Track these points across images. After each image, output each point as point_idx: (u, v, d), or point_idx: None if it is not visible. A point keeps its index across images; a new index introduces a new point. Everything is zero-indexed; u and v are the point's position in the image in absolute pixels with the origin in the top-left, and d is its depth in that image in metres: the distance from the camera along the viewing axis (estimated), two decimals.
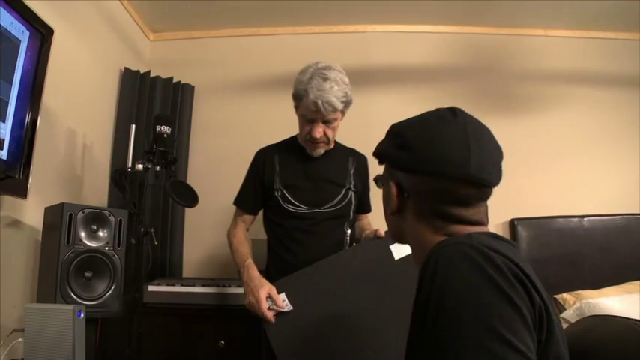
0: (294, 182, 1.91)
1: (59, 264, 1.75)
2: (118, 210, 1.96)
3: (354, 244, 2.03)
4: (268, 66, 3.11)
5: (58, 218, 1.78)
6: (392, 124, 1.06)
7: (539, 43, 3.08)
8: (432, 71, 3.06)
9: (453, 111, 0.97)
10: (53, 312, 1.58)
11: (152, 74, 2.92)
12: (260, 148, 2.04)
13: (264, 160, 1.97)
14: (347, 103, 1.85)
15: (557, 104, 3.00)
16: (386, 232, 1.77)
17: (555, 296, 2.63)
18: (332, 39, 3.14)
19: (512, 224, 2.82)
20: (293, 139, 2.03)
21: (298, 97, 1.83)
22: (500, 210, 2.87)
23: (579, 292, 2.59)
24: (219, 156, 3.01)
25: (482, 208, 0.95)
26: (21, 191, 1.84)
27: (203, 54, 3.18)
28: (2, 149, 1.73)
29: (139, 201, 2.27)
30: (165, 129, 2.28)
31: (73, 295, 1.76)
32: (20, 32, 1.80)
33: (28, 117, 1.85)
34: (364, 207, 2.13)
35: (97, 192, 2.59)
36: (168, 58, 3.16)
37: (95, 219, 1.87)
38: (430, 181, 0.93)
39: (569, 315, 2.45)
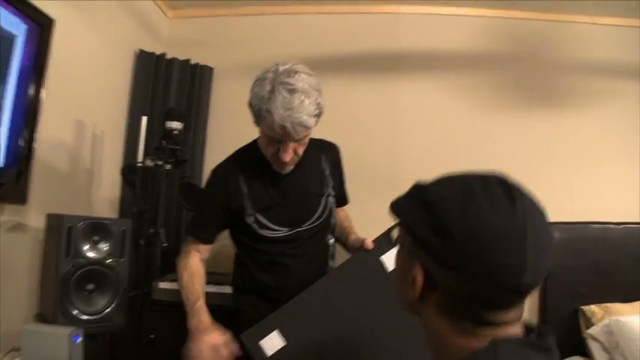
0: (269, 203, 1.62)
1: (59, 278, 1.70)
2: (120, 219, 1.90)
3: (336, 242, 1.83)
4: (291, 47, 2.92)
5: (57, 230, 1.73)
6: (418, 182, 0.84)
7: (585, 31, 2.80)
8: (467, 58, 2.84)
9: (510, 193, 0.74)
10: (49, 336, 1.55)
11: (168, 56, 2.80)
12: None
13: (228, 180, 1.62)
14: (320, 115, 1.51)
15: (601, 100, 2.75)
16: (374, 240, 1.62)
17: (583, 307, 2.50)
18: (359, 20, 2.93)
19: None
20: (254, 148, 1.67)
21: (259, 116, 1.48)
22: None
23: (609, 305, 2.45)
24: (239, 142, 2.89)
25: (520, 307, 0.77)
26: (19, 198, 1.79)
27: (223, 34, 3.02)
28: None
29: (149, 199, 2.21)
30: (175, 125, 2.18)
31: (73, 311, 1.73)
32: (16, 27, 1.70)
33: (27, 118, 1.78)
34: (341, 201, 1.85)
35: (108, 187, 2.53)
36: (187, 38, 3.01)
37: (97, 229, 1.81)
38: (471, 284, 0.74)
39: (597, 332, 2.32)
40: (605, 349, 2.26)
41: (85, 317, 1.75)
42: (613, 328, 2.25)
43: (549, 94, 2.79)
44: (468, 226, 0.72)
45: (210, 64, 2.92)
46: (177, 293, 2.27)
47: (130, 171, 2.29)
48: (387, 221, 1.15)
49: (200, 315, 1.49)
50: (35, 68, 1.81)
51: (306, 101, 1.42)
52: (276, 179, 1.64)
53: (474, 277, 0.72)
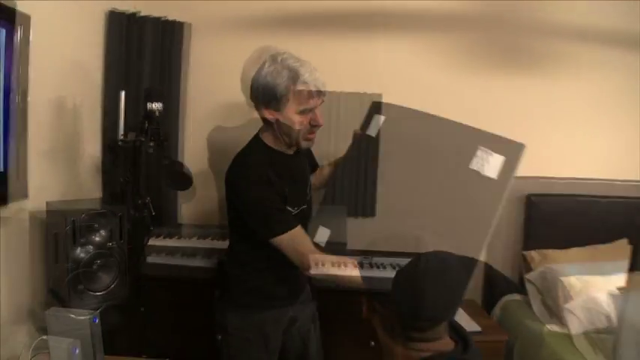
0: (285, 190, 1.75)
1: (69, 265, 1.90)
2: (117, 207, 2.07)
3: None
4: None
5: (62, 222, 1.89)
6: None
7: None
8: (447, 17, 2.84)
9: None
10: (72, 320, 1.78)
11: (142, 14, 2.76)
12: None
13: (268, 177, 1.70)
14: None
15: (578, 66, 2.88)
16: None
17: (523, 253, 2.88)
18: None
19: (529, 199, 2.92)
20: (264, 146, 1.78)
21: (289, 91, 1.62)
22: (516, 183, 2.87)
23: (546, 251, 2.83)
24: (220, 101, 2.96)
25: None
26: (21, 193, 1.93)
27: None
28: None
29: (134, 173, 2.34)
30: (156, 106, 2.25)
31: (84, 290, 1.95)
32: None
33: (17, 123, 1.86)
34: (314, 167, 2.13)
35: (90, 162, 2.61)
36: None
37: (96, 217, 1.98)
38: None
39: (534, 277, 2.72)
40: (539, 292, 2.68)
41: (93, 294, 1.98)
42: (547, 274, 2.65)
43: (544, 58, 2.87)
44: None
45: (187, 20, 2.88)
46: (164, 267, 2.47)
47: (112, 147, 2.39)
48: None
49: None
50: (19, 71, 1.85)
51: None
52: (289, 166, 1.80)
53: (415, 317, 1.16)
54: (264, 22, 2.87)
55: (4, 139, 1.83)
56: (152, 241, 2.52)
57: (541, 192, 2.91)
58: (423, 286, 1.11)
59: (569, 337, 2.41)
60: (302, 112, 1.67)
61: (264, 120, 1.74)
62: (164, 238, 2.61)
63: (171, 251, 2.57)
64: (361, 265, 2.42)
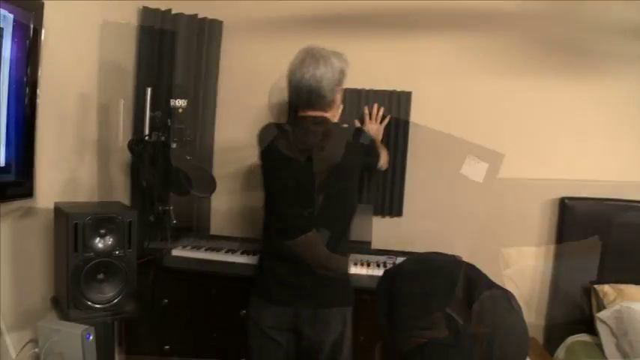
0: None
1: (69, 272, 1.73)
2: (126, 211, 1.88)
3: None
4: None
5: (65, 224, 1.73)
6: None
7: None
8: (491, 16, 2.58)
9: None
10: (63, 333, 1.60)
11: (174, 12, 2.63)
12: None
13: None
14: None
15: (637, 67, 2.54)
16: None
17: (596, 287, 2.48)
18: None
19: (563, 203, 2.57)
20: None
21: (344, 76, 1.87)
22: (549, 186, 2.60)
23: (623, 286, 2.41)
24: (250, 103, 2.78)
25: None
26: (26, 192, 1.79)
27: None
28: None
29: (157, 175, 2.19)
30: (180, 103, 2.12)
31: (85, 301, 1.77)
32: (2, 19, 1.59)
33: (25, 111, 1.72)
34: None
35: (118, 163, 2.51)
36: None
37: (103, 222, 1.80)
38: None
39: (607, 317, 2.31)
40: (614, 334, 2.27)
41: (96, 306, 1.79)
42: (624, 314, 2.23)
43: (581, 57, 2.56)
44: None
45: (219, 18, 2.73)
46: (189, 260, 2.36)
47: (137, 145, 2.24)
48: None
49: None
50: (28, 59, 1.72)
51: None
52: None
53: None
54: (294, 22, 2.70)
55: (17, 133, 1.70)
56: (176, 252, 2.38)
57: (576, 195, 2.58)
58: (399, 288, 0.90)
59: None
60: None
61: (328, 105, 1.86)
62: (191, 249, 2.42)
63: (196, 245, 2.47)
64: (385, 265, 2.39)
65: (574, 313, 2.52)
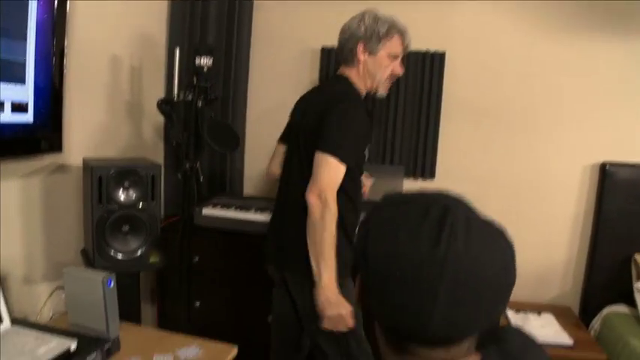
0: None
1: (94, 223, 1.79)
2: (149, 165, 1.92)
3: None
4: None
5: (89, 177, 1.78)
6: (385, 195, 0.78)
7: None
8: None
9: (440, 232, 0.65)
10: (86, 280, 1.66)
11: None
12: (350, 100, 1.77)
13: (367, 115, 1.80)
14: None
15: None
16: None
17: (636, 256, 2.35)
18: None
19: (603, 168, 2.43)
20: (355, 90, 1.85)
21: (386, 36, 1.80)
22: (588, 150, 2.47)
23: None
24: (283, 77, 2.80)
25: (457, 347, 0.70)
26: (55, 147, 1.85)
27: None
28: (27, 112, 1.69)
29: (185, 134, 2.22)
30: (205, 61, 2.12)
31: (110, 252, 1.83)
32: None
33: (53, 70, 1.77)
34: None
35: (151, 117, 2.56)
36: None
37: (127, 174, 1.85)
38: (384, 318, 0.72)
39: None
40: None
41: (120, 257, 1.86)
42: None
43: (622, 16, 2.38)
44: (382, 258, 0.68)
45: None
46: (219, 219, 2.41)
47: (166, 104, 2.28)
48: None
49: (332, 277, 1.63)
50: (55, 23, 1.76)
51: None
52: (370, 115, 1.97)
53: (380, 308, 0.70)
54: None
55: (46, 91, 1.75)
56: (206, 211, 2.42)
57: (618, 160, 2.44)
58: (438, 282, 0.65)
59: None
60: (392, 57, 1.82)
61: (352, 62, 1.83)
62: (221, 207, 2.46)
63: (226, 204, 2.49)
64: None
65: (612, 283, 2.41)
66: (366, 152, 1.87)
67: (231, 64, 2.66)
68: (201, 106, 2.13)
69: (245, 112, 2.79)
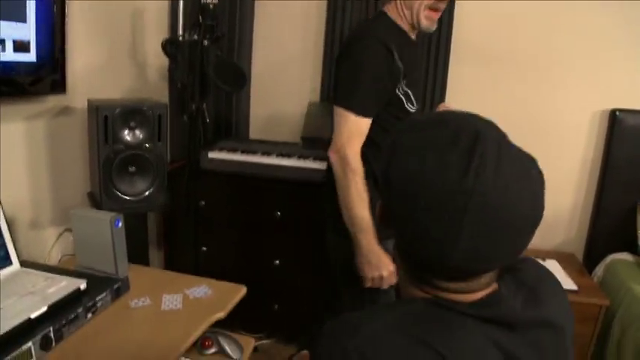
0: (413, 77, 1.63)
1: (100, 164, 1.77)
2: (156, 104, 1.88)
3: None
4: None
5: (95, 117, 1.75)
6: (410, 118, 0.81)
7: None
8: None
9: (471, 160, 0.62)
10: (94, 220, 1.65)
11: None
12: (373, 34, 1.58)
13: (388, 49, 1.53)
14: None
15: None
16: None
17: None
18: None
19: (613, 115, 2.39)
20: (389, 24, 1.63)
21: None
22: (599, 97, 2.42)
23: None
24: (287, 16, 2.71)
25: (478, 279, 0.70)
26: (59, 88, 1.81)
27: None
28: (29, 51, 1.64)
29: (191, 74, 2.17)
30: None
31: (117, 192, 1.82)
32: None
33: (55, 9, 1.70)
34: None
35: (155, 58, 2.49)
36: None
37: (133, 114, 1.81)
38: (404, 245, 0.72)
39: None
40: None
41: (128, 198, 1.85)
42: None
43: None
44: (408, 187, 0.66)
45: None
46: (225, 163, 2.39)
47: (171, 45, 2.21)
48: None
49: (373, 233, 1.53)
50: None
51: None
52: (414, 54, 1.67)
53: (403, 236, 0.69)
54: None
55: (48, 31, 1.69)
56: (212, 154, 2.40)
57: (628, 107, 2.40)
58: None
59: None
60: None
61: None
62: (227, 151, 2.43)
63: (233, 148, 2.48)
64: None
65: (617, 231, 2.41)
66: (407, 93, 1.62)
67: (237, 1, 2.58)
68: (207, 45, 2.07)
69: (251, 52, 2.72)
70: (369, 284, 1.59)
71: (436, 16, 1.60)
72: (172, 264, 2.61)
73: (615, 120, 2.37)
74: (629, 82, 2.39)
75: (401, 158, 0.68)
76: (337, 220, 1.59)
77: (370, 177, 1.54)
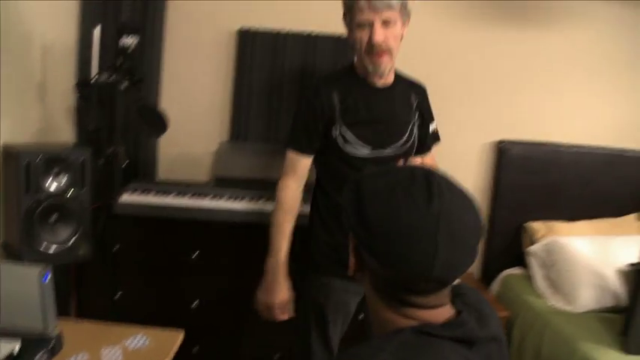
0: (356, 119, 1.67)
1: (21, 213, 1.67)
2: (79, 150, 1.83)
3: None
4: None
5: (15, 165, 1.65)
6: (363, 173, 0.91)
7: None
8: None
9: (430, 191, 0.78)
10: (19, 276, 1.54)
11: None
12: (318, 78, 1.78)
13: (322, 90, 1.67)
14: (404, 5, 1.61)
15: (570, 18, 2.67)
16: None
17: (525, 225, 2.68)
18: None
19: (500, 146, 2.71)
20: (351, 68, 1.73)
21: (350, 6, 1.60)
22: (488, 129, 2.75)
23: (552, 223, 2.64)
24: (198, 50, 2.71)
25: (444, 292, 0.85)
26: None
27: None
28: None
29: (106, 117, 2.12)
30: (130, 41, 2.03)
31: (39, 244, 1.72)
32: None
33: None
34: (422, 147, 1.90)
35: (62, 105, 2.38)
36: None
37: (55, 161, 1.74)
38: (388, 271, 0.82)
39: (538, 250, 2.52)
40: (543, 266, 2.48)
41: (50, 249, 1.75)
42: (553, 247, 2.45)
43: (518, 7, 2.66)
44: (385, 222, 0.80)
45: None
46: (139, 207, 2.32)
47: (84, 87, 2.15)
48: None
49: (280, 261, 1.66)
50: None
51: None
52: (368, 97, 1.70)
53: (389, 266, 0.81)
54: None
55: None
56: (125, 197, 2.32)
57: (513, 139, 2.75)
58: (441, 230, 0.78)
59: (574, 315, 2.22)
60: (359, 26, 1.59)
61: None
62: (140, 193, 2.37)
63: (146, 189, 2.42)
64: None
65: (509, 249, 2.73)
66: (345, 135, 1.68)
67: (145, 44, 2.55)
68: (127, 87, 2.04)
69: (159, 93, 2.68)
70: (260, 309, 1.71)
71: (378, 58, 1.61)
72: (83, 311, 2.45)
73: (502, 150, 2.70)
74: (514, 116, 2.73)
75: (373, 202, 0.82)
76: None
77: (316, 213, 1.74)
